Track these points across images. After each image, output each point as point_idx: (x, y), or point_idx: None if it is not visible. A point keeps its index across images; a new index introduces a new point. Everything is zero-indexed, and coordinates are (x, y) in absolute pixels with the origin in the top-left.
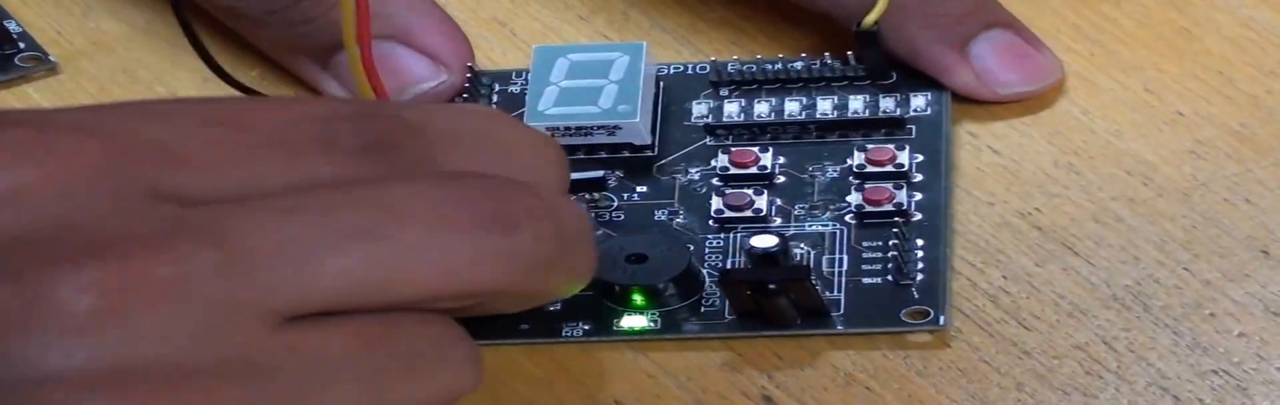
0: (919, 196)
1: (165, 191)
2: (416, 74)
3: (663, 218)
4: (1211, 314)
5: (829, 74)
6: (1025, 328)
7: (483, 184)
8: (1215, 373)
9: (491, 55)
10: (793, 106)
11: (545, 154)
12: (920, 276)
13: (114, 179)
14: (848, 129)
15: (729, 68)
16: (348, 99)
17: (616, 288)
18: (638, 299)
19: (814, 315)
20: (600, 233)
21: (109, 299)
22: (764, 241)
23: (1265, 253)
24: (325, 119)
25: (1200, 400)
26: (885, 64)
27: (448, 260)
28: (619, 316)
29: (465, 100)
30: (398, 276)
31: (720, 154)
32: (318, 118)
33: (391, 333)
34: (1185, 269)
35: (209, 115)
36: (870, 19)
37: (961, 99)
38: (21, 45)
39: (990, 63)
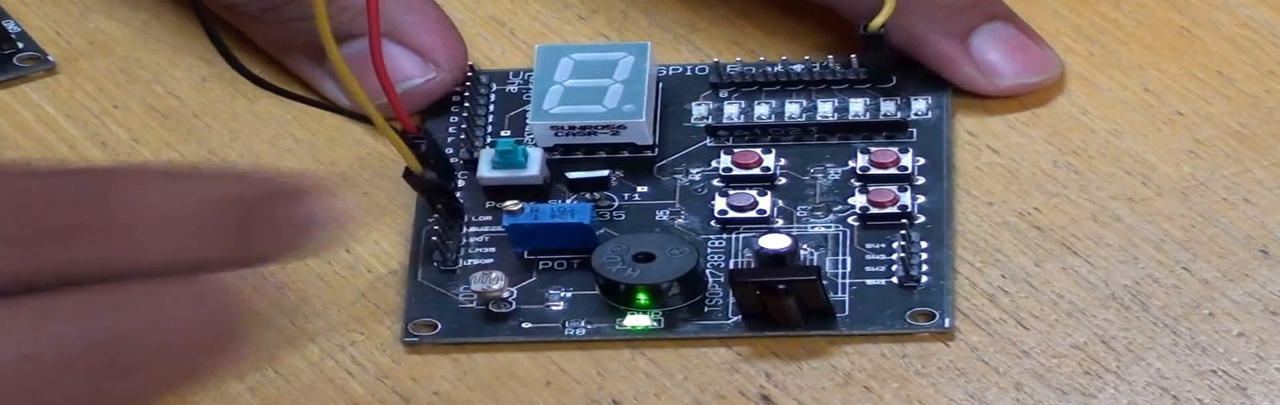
0: (922, 199)
1: None
2: (405, 71)
3: (664, 218)
4: (1210, 313)
5: (829, 77)
6: (1024, 327)
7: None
8: (1214, 372)
9: (490, 54)
10: (793, 108)
11: (218, 200)
12: (924, 279)
13: None
14: (848, 131)
15: (729, 69)
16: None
17: (621, 286)
18: (642, 298)
19: (819, 316)
20: (602, 232)
21: None
22: (776, 242)
23: (1264, 252)
24: None
25: (1199, 400)
26: (888, 67)
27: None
28: (622, 316)
29: (463, 98)
30: None
31: (722, 155)
32: None
33: None
34: (1184, 268)
35: None
36: (877, 22)
37: (961, 96)
38: (20, 45)
39: (991, 55)
